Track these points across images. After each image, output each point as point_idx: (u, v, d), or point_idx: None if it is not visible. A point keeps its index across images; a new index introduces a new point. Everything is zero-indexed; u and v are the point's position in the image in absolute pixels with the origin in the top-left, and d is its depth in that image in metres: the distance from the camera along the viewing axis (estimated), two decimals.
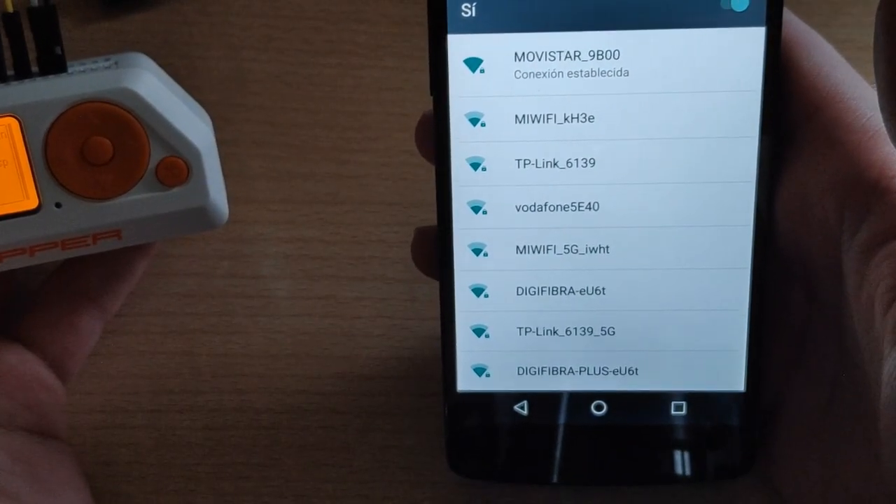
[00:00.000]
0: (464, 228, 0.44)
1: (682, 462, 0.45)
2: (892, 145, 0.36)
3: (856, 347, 0.40)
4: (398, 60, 0.53)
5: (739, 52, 0.42)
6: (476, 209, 0.44)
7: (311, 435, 0.49)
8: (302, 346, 0.50)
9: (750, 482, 0.46)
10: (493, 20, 0.42)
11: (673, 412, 0.45)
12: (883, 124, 0.36)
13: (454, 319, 0.45)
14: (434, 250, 0.45)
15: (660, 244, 0.44)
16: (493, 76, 0.43)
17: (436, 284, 0.45)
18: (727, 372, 0.44)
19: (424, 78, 0.43)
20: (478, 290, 0.45)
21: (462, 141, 0.43)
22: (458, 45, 0.42)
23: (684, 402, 0.45)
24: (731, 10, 0.41)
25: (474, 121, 0.43)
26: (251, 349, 0.50)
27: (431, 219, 0.45)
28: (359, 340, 0.50)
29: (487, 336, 0.45)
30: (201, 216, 0.44)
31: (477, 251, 0.44)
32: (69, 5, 0.52)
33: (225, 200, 0.46)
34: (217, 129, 0.46)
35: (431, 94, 0.43)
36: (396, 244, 0.51)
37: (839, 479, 0.42)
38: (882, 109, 0.34)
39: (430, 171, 0.44)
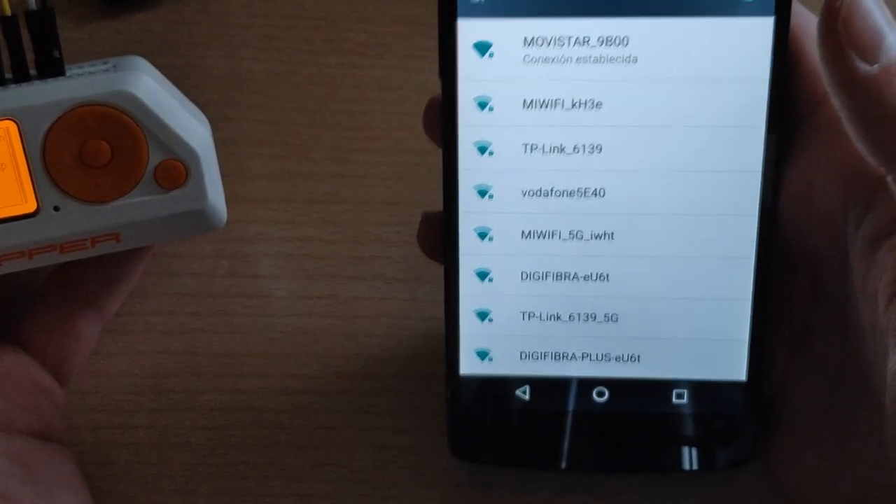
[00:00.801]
0: (469, 212, 0.44)
1: (682, 451, 0.45)
2: None
3: (861, 338, 0.40)
4: (398, 60, 0.52)
5: (748, 41, 0.42)
6: (482, 193, 0.44)
7: (311, 435, 0.48)
8: (302, 346, 0.49)
9: (753, 474, 0.46)
10: (502, 5, 0.42)
11: (674, 400, 0.45)
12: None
13: (458, 303, 0.45)
14: (440, 234, 0.45)
15: (665, 232, 0.43)
16: (501, 61, 0.42)
17: (437, 283, 0.45)
18: (729, 361, 0.44)
19: (425, 77, 0.43)
20: (482, 274, 0.44)
21: (469, 125, 0.43)
22: (468, 29, 0.42)
23: (686, 391, 0.45)
24: (741, 0, 0.41)
25: (482, 105, 0.43)
26: (251, 349, 0.49)
27: None
28: (359, 340, 0.50)
29: (491, 320, 0.45)
30: (200, 218, 0.44)
31: (482, 235, 0.44)
32: (69, 5, 0.52)
33: (223, 202, 0.45)
34: (217, 129, 0.46)
35: (440, 78, 0.43)
36: (396, 244, 0.51)
37: (843, 470, 0.41)
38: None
39: (430, 170, 0.44)
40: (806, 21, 0.42)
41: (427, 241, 0.46)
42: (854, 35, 0.36)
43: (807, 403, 0.43)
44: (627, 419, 0.45)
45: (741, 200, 0.43)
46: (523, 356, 0.45)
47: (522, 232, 0.44)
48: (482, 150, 0.43)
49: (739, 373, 0.44)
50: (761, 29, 0.41)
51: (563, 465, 0.46)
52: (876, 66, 0.36)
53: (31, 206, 0.42)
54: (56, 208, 0.42)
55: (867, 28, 0.36)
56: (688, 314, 0.44)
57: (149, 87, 0.42)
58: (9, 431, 0.44)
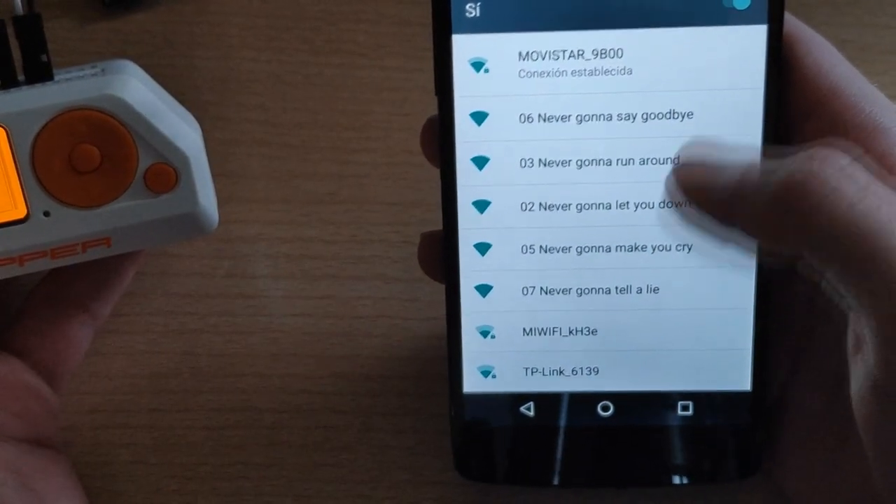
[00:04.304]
0: (469, 227, 0.43)
1: (689, 463, 0.44)
2: (889, 142, 0.38)
3: None
4: (398, 60, 0.51)
5: (742, 49, 0.41)
6: (481, 208, 0.43)
7: (311, 435, 0.47)
8: (302, 346, 0.48)
9: (753, 481, 0.44)
10: (497, 20, 0.41)
11: (679, 412, 0.44)
12: (881, 120, 0.39)
13: (460, 320, 0.44)
14: (440, 252, 0.44)
15: (664, 242, 0.42)
16: (497, 75, 0.42)
17: (436, 284, 0.44)
18: (733, 371, 0.43)
19: (425, 78, 0.42)
20: (483, 290, 0.43)
21: (466, 140, 0.42)
22: (463, 45, 0.41)
23: (691, 402, 0.43)
24: (734, 9, 0.41)
25: (479, 120, 0.42)
26: (251, 349, 0.48)
27: (432, 218, 0.43)
28: (359, 340, 0.48)
29: (493, 337, 0.44)
30: (191, 222, 0.43)
31: (482, 250, 0.43)
32: (69, 5, 0.51)
33: (215, 206, 0.44)
34: (217, 130, 0.46)
35: (436, 95, 0.42)
36: (397, 244, 0.49)
37: (842, 477, 0.41)
38: None
39: (430, 170, 0.43)
40: (798, 28, 0.41)
41: (428, 261, 0.44)
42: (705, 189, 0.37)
43: (806, 410, 0.43)
44: (633, 433, 0.44)
45: None
46: (527, 372, 0.44)
47: (522, 246, 0.43)
48: (480, 164, 0.42)
49: (744, 383, 0.43)
50: (755, 37, 0.41)
51: (570, 481, 0.45)
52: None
53: (20, 212, 0.41)
54: (46, 214, 0.41)
55: (707, 174, 0.37)
56: (690, 325, 0.43)
57: (138, 90, 0.41)
58: (1, 438, 0.43)
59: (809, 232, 0.34)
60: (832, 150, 0.35)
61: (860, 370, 0.35)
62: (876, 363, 0.34)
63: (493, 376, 0.44)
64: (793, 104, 0.41)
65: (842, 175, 0.34)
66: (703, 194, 0.37)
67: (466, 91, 0.42)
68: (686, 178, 0.38)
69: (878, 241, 0.33)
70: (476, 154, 0.42)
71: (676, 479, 0.44)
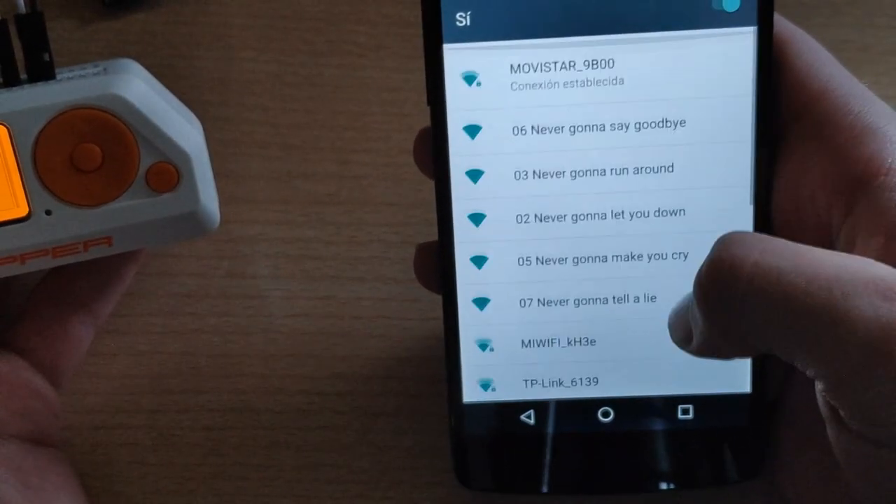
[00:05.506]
0: (464, 240, 0.43)
1: (690, 466, 0.44)
2: (878, 142, 0.38)
3: None
4: (398, 61, 0.51)
5: (731, 52, 0.41)
6: (476, 221, 0.42)
7: (310, 435, 0.47)
8: (302, 346, 0.48)
9: (754, 486, 0.44)
10: (487, 28, 0.41)
11: (680, 416, 0.43)
12: (870, 119, 0.38)
13: (458, 333, 0.43)
14: (436, 263, 0.43)
15: (660, 250, 0.42)
16: (489, 87, 0.41)
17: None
18: (733, 373, 0.43)
19: (424, 79, 0.42)
20: (481, 303, 0.43)
21: (460, 152, 0.42)
22: (454, 56, 0.41)
23: (691, 406, 0.43)
24: (723, 11, 0.40)
25: (472, 132, 0.42)
26: (251, 349, 0.48)
27: (432, 219, 0.43)
28: (359, 340, 0.48)
29: (492, 348, 0.44)
30: (192, 222, 0.42)
31: (478, 263, 0.43)
32: (69, 5, 0.51)
33: (216, 205, 0.44)
34: (217, 131, 0.45)
35: (428, 105, 0.42)
36: (396, 244, 0.49)
37: (839, 479, 0.40)
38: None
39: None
40: (787, 29, 0.41)
41: (424, 273, 0.44)
42: None
43: (803, 412, 0.42)
44: (634, 438, 0.44)
45: (733, 212, 0.42)
46: (526, 381, 0.44)
47: (518, 258, 0.43)
48: (474, 177, 0.42)
49: (744, 385, 0.43)
50: (744, 39, 0.41)
51: (572, 489, 0.45)
52: None
53: (22, 211, 0.41)
54: (48, 212, 0.41)
55: None
56: None
57: (139, 90, 0.41)
58: (2, 436, 0.43)
59: (742, 317, 0.34)
60: (737, 234, 0.35)
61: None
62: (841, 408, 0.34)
63: (493, 388, 0.44)
64: (783, 105, 0.41)
65: (749, 247, 0.34)
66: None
67: (459, 104, 0.42)
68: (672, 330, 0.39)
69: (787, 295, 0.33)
70: (470, 167, 0.42)
71: (678, 483, 0.44)
